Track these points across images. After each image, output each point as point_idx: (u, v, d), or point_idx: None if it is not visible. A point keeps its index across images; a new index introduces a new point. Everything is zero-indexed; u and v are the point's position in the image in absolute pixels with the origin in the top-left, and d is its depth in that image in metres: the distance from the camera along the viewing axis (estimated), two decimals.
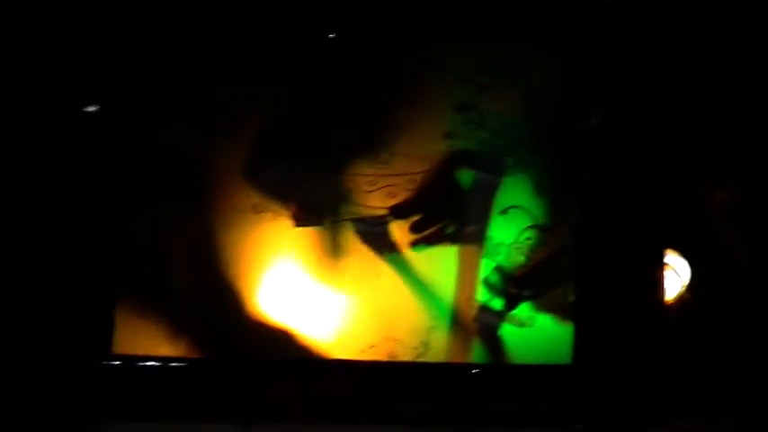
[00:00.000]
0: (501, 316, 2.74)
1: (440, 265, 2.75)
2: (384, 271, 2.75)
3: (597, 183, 2.67)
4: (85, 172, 2.65)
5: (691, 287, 2.80)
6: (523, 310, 2.74)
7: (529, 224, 2.72)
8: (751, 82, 2.68)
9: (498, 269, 2.74)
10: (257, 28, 2.69)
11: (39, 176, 2.64)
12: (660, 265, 2.70)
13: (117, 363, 2.69)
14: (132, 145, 2.69)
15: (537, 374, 2.74)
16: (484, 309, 2.75)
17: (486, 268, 2.74)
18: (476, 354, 2.75)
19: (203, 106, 2.71)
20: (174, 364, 2.70)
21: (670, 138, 2.66)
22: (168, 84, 2.70)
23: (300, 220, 2.72)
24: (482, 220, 2.72)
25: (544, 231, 2.72)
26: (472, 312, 2.74)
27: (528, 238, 2.72)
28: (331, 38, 2.69)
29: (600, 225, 2.68)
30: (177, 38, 2.70)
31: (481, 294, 2.75)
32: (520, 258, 2.73)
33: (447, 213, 2.74)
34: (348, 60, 2.71)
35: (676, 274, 2.79)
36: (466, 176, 2.72)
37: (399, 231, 2.75)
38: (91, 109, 2.68)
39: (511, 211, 2.71)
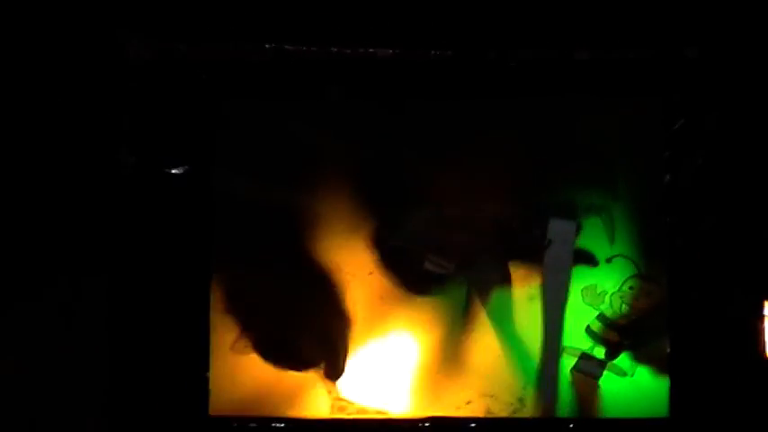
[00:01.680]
0: (602, 365, 2.74)
1: (529, 317, 2.74)
2: (478, 326, 2.73)
3: (693, 230, 2.66)
4: (177, 235, 2.65)
5: None
6: (624, 359, 2.73)
7: (632, 273, 2.71)
8: None
9: (601, 317, 2.74)
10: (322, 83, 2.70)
11: (131, 240, 2.64)
12: (761, 316, 2.68)
13: (214, 425, 2.65)
14: (221, 205, 2.69)
15: (634, 428, 2.71)
16: (586, 356, 2.74)
17: (589, 316, 2.73)
18: (571, 408, 2.72)
19: (286, 161, 2.71)
20: (273, 424, 2.66)
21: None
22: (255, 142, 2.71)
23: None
24: (563, 268, 2.71)
25: (647, 281, 2.71)
26: (554, 363, 2.73)
27: (631, 287, 2.72)
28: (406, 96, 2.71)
29: (697, 274, 2.67)
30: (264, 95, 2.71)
31: (583, 342, 2.74)
32: (623, 307, 2.72)
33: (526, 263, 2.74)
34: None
35: None
36: (542, 225, 2.72)
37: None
38: (178, 170, 2.63)
39: (615, 259, 2.71)
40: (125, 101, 2.66)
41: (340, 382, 2.71)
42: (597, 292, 2.71)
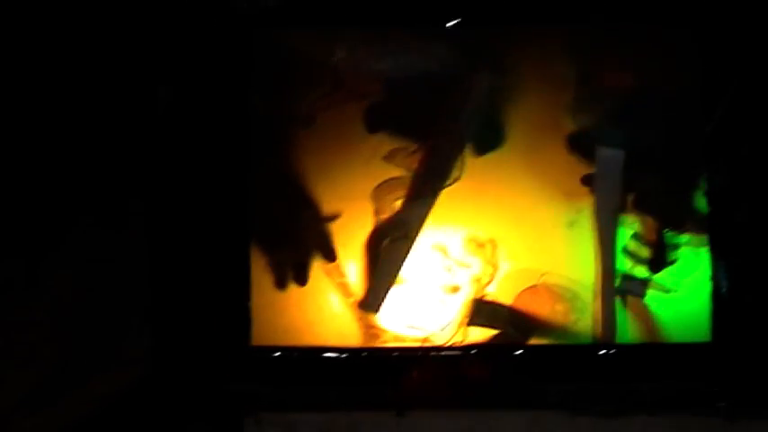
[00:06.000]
0: (645, 283, 2.69)
1: (578, 244, 2.71)
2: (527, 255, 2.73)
3: (731, 162, 2.65)
4: (217, 165, 2.67)
5: None
6: (667, 276, 2.69)
7: None
8: None
9: (635, 236, 2.70)
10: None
11: (174, 170, 2.66)
12: None
13: (257, 354, 2.65)
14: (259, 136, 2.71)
15: (678, 353, 2.67)
16: (627, 277, 2.70)
17: (624, 237, 2.70)
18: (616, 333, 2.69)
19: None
20: (317, 354, 2.66)
21: None
22: None
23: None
24: (613, 194, 2.69)
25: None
26: (611, 288, 2.69)
27: None
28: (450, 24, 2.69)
29: (737, 200, 2.65)
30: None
31: (623, 264, 2.70)
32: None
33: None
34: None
35: None
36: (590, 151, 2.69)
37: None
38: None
39: None
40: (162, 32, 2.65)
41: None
42: None
